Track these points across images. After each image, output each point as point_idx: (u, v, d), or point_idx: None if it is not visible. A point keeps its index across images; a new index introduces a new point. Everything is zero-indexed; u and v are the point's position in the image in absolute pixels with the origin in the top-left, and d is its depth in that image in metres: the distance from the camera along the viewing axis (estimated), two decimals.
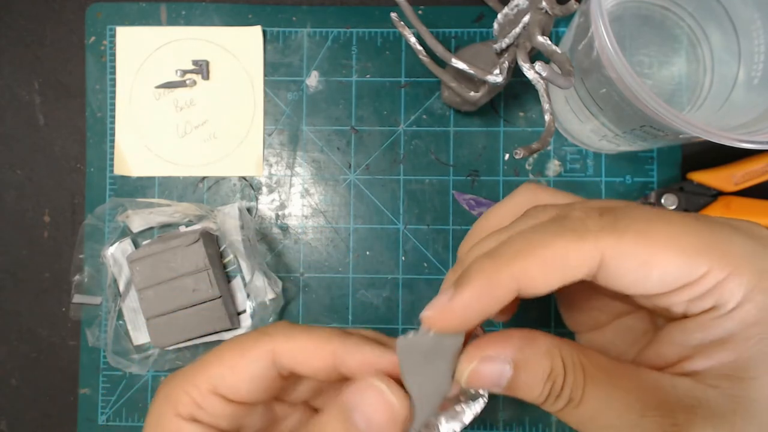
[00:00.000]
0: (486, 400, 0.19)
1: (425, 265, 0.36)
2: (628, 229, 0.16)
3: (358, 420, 0.17)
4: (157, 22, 0.38)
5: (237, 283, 0.37)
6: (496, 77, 0.30)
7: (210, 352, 0.21)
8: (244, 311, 0.37)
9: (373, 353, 0.19)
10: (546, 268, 0.16)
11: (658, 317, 0.20)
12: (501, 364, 0.16)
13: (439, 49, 0.31)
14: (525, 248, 0.16)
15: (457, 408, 0.19)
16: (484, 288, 0.16)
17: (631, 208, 0.17)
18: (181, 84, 0.37)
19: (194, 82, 0.37)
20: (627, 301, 0.20)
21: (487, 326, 0.34)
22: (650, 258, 0.15)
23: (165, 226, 0.37)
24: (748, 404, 0.15)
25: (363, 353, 0.19)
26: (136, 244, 0.37)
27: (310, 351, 0.20)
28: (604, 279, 0.16)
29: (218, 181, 0.37)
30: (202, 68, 0.37)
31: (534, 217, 0.18)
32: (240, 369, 0.19)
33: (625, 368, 0.16)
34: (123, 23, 0.38)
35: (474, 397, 0.19)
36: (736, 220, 0.17)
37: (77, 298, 0.36)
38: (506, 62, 0.30)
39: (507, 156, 0.37)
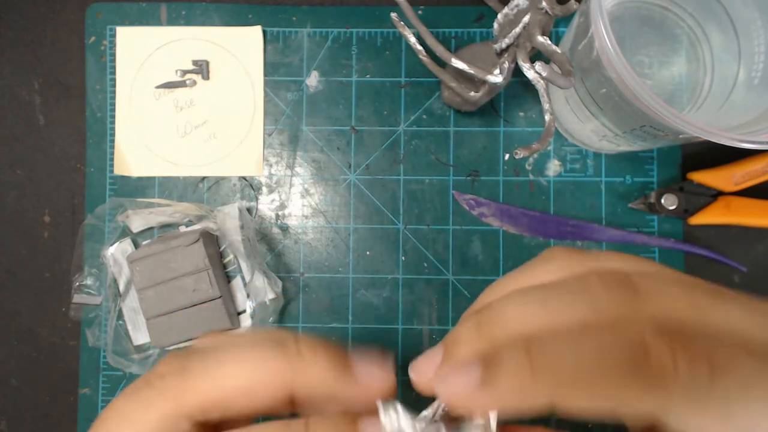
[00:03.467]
0: None
1: (425, 265, 0.36)
2: (717, 394, 0.13)
3: None
4: (157, 22, 0.38)
5: (237, 283, 0.37)
6: (496, 77, 0.30)
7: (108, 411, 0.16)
8: (244, 311, 0.37)
9: (345, 387, 0.16)
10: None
11: None
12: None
13: (439, 49, 0.31)
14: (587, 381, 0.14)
15: None
16: (518, 382, 0.14)
17: (737, 352, 0.14)
18: (181, 84, 0.37)
19: (194, 82, 0.37)
20: None
21: None
22: None
23: (165, 226, 0.37)
24: None
25: (327, 381, 0.16)
26: (136, 244, 0.37)
27: (246, 384, 0.15)
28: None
29: (218, 181, 0.37)
30: (202, 68, 0.37)
31: None
32: None
33: None
34: (123, 23, 0.38)
35: None
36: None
37: (77, 298, 0.36)
38: (506, 62, 0.30)
39: (507, 156, 0.37)
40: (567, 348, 0.14)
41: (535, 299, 0.15)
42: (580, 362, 0.14)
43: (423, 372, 0.16)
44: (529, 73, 0.27)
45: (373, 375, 0.16)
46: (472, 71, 0.30)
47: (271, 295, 0.35)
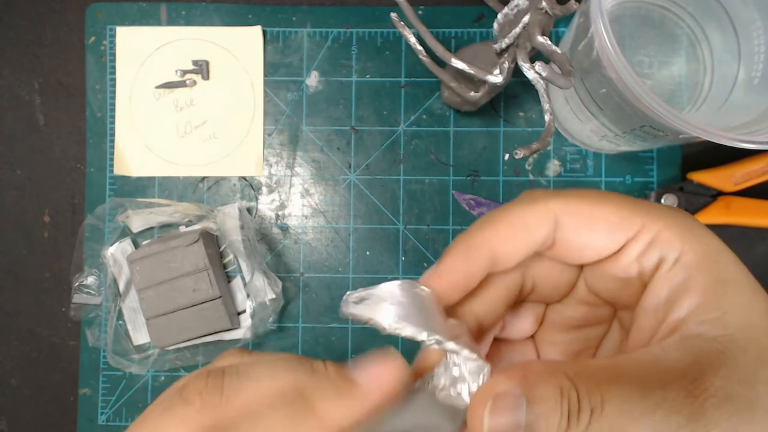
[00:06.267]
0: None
1: (425, 265, 0.36)
2: (569, 194, 0.18)
3: None
4: (157, 22, 0.38)
5: (237, 283, 0.37)
6: (496, 77, 0.30)
7: None
8: (244, 311, 0.37)
9: (356, 404, 0.17)
10: (511, 231, 0.18)
11: (626, 318, 0.21)
12: (514, 398, 0.16)
13: (439, 49, 0.31)
14: (490, 218, 0.19)
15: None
16: (463, 253, 0.19)
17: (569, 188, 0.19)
18: (181, 84, 0.37)
19: (194, 82, 0.37)
20: (598, 319, 0.21)
21: None
22: (593, 213, 0.18)
23: (165, 226, 0.37)
24: (731, 340, 0.16)
25: (346, 414, 0.17)
26: (136, 244, 0.37)
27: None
28: (560, 247, 0.18)
29: (218, 181, 0.37)
30: (202, 68, 0.37)
31: None
32: None
33: (622, 360, 0.16)
34: (123, 23, 0.38)
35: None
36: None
37: (77, 298, 0.36)
38: (506, 62, 0.30)
39: (507, 156, 0.37)
40: (482, 222, 0.19)
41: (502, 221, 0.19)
42: (490, 215, 0.19)
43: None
44: (529, 73, 0.27)
45: (376, 377, 0.18)
46: (472, 71, 0.30)
47: (271, 295, 0.35)
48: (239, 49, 0.37)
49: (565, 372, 0.16)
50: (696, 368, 0.15)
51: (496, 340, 0.23)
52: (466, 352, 0.17)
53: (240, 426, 0.17)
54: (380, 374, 0.17)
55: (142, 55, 0.38)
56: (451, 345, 0.16)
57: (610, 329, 0.22)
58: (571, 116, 0.33)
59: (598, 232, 0.18)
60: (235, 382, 0.18)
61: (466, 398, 0.17)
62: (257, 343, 0.37)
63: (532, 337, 0.23)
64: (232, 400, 0.17)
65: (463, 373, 0.17)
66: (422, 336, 0.16)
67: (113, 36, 0.38)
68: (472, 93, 0.32)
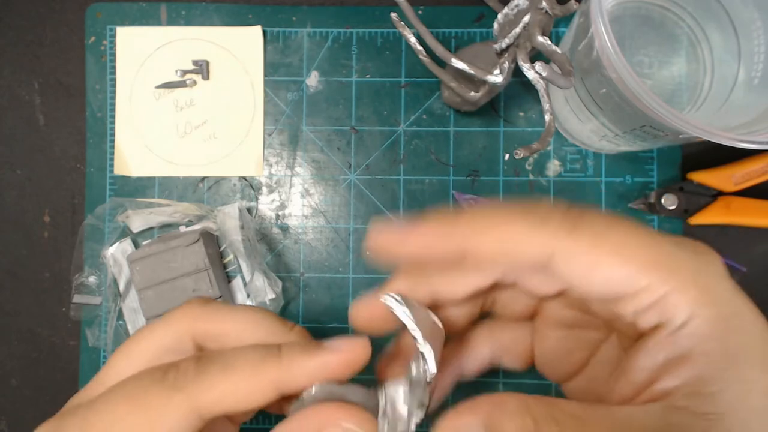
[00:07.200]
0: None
1: None
2: (584, 231, 0.17)
3: None
4: (157, 22, 0.38)
5: (237, 283, 0.37)
6: (496, 77, 0.30)
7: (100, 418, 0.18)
8: None
9: (319, 361, 0.19)
10: (500, 241, 0.17)
11: (624, 338, 0.20)
12: None
13: (439, 49, 0.31)
14: (490, 219, 0.17)
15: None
16: (441, 229, 0.18)
17: (596, 213, 0.17)
18: (181, 84, 0.37)
19: (194, 82, 0.37)
20: (593, 326, 0.21)
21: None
22: (596, 264, 0.16)
23: (165, 226, 0.37)
24: (719, 419, 0.15)
25: (307, 368, 0.18)
26: (136, 244, 0.37)
27: (244, 391, 0.18)
28: (551, 271, 0.17)
29: (218, 181, 0.37)
30: (202, 68, 0.37)
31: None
32: None
33: (597, 411, 0.16)
34: (123, 23, 0.38)
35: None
36: (683, 238, 0.17)
37: (77, 298, 0.36)
38: (506, 62, 0.30)
39: (507, 156, 0.37)
40: (480, 211, 0.18)
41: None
42: (484, 215, 0.18)
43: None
44: (529, 73, 0.27)
45: (338, 345, 0.20)
46: (472, 71, 0.30)
47: (271, 295, 0.35)
48: (239, 49, 0.37)
49: (533, 415, 0.16)
50: None
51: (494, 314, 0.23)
52: (430, 363, 0.18)
53: (215, 341, 0.20)
54: (343, 345, 0.19)
55: (142, 55, 0.38)
56: (426, 348, 0.19)
57: (611, 335, 0.21)
58: (571, 116, 0.33)
59: (594, 283, 0.17)
60: (220, 306, 0.21)
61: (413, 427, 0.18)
62: None
63: (532, 318, 0.23)
64: (211, 315, 0.21)
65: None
66: (413, 329, 0.19)
67: (113, 36, 0.38)
68: (472, 93, 0.32)
